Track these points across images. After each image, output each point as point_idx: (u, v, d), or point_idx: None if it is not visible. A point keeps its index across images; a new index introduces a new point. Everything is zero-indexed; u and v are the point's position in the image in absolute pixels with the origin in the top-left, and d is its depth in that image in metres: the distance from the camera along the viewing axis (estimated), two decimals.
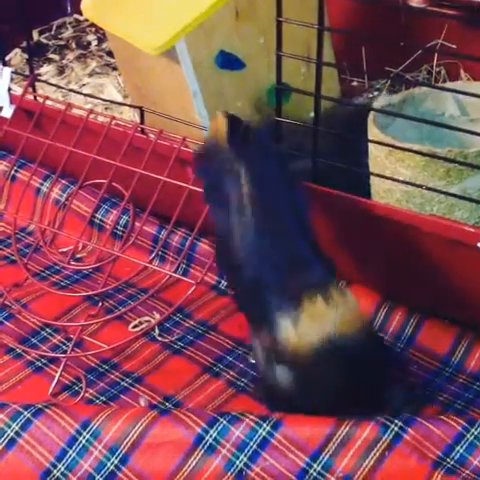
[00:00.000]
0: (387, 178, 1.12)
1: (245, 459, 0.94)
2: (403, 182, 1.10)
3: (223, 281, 1.31)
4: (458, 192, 1.07)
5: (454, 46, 1.46)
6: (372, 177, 1.17)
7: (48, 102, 1.38)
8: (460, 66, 1.48)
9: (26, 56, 1.69)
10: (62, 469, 0.96)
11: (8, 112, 1.42)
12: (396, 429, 0.95)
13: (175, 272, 1.20)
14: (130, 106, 1.45)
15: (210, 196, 1.05)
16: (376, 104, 1.23)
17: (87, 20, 1.76)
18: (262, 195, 1.00)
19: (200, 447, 0.95)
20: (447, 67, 1.50)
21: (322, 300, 0.93)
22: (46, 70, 1.68)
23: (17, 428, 0.98)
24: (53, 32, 1.83)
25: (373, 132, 1.14)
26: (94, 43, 1.78)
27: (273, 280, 0.97)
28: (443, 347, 1.16)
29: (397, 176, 1.10)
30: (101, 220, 1.40)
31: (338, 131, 1.21)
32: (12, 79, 1.45)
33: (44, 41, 1.79)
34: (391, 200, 1.13)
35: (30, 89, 1.43)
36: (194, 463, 0.95)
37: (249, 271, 0.99)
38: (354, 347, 0.93)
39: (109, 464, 0.96)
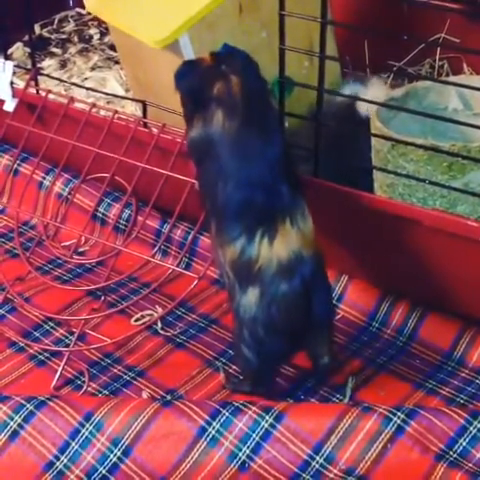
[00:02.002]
0: (389, 172, 1.12)
1: (248, 451, 0.95)
2: (405, 176, 1.09)
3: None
4: (461, 186, 1.07)
5: (457, 40, 1.45)
6: (375, 171, 1.17)
7: (50, 96, 1.38)
8: (463, 60, 1.48)
9: (28, 50, 1.69)
10: (65, 461, 0.96)
11: (10, 106, 1.42)
12: (398, 422, 0.95)
13: (177, 266, 1.20)
14: (132, 100, 1.44)
15: (192, 105, 1.04)
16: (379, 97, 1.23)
17: (89, 14, 1.76)
18: (252, 103, 1.01)
19: (203, 439, 0.95)
20: (450, 61, 1.50)
21: (290, 223, 1.00)
22: (48, 64, 1.68)
23: (20, 420, 0.98)
24: (55, 26, 1.83)
25: (376, 125, 1.14)
26: (96, 37, 1.77)
27: (251, 198, 1.00)
28: (445, 341, 1.16)
29: (400, 170, 1.10)
30: (104, 214, 1.40)
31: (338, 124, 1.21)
32: (14, 73, 1.45)
33: (46, 35, 1.79)
34: (394, 194, 1.13)
35: (32, 83, 1.43)
36: (197, 455, 0.95)
37: (230, 183, 1.00)
38: (311, 262, 1.02)
39: (112, 456, 0.96)
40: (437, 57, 1.50)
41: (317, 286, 1.03)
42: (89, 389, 1.12)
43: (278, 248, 1.00)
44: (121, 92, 1.56)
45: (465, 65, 1.49)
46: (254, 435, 0.95)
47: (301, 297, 1.01)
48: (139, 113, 1.39)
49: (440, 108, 1.23)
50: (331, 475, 0.94)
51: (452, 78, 1.35)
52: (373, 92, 1.23)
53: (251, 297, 1.01)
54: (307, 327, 1.03)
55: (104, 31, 1.77)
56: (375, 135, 1.14)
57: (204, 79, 1.03)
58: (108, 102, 1.52)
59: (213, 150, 1.01)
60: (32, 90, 1.43)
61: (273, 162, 1.01)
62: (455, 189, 1.07)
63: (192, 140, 1.04)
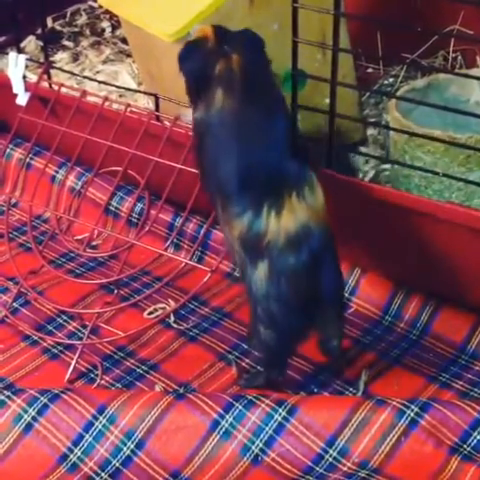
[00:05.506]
0: (404, 165, 1.10)
1: (261, 444, 0.95)
2: (420, 169, 1.08)
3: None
4: (477, 179, 1.05)
5: (471, 32, 1.44)
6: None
7: (63, 89, 1.38)
8: (476, 52, 1.47)
9: (41, 43, 1.69)
10: (78, 454, 0.97)
11: (23, 99, 1.42)
12: (412, 415, 0.95)
13: (190, 260, 1.20)
14: (145, 93, 1.44)
15: (196, 88, 1.04)
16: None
17: (101, 7, 1.75)
18: (252, 80, 1.01)
19: (216, 432, 0.95)
20: (463, 53, 1.49)
21: (296, 197, 1.00)
22: (60, 57, 1.68)
23: (34, 413, 0.99)
24: (67, 19, 1.83)
25: (394, 116, 1.12)
26: (108, 30, 1.77)
27: (253, 173, 1.00)
28: (459, 335, 1.16)
29: (417, 161, 1.09)
30: (116, 208, 1.40)
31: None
32: (27, 66, 1.45)
33: (58, 28, 1.79)
34: (410, 186, 1.12)
35: (45, 76, 1.43)
36: (210, 448, 0.95)
37: (232, 160, 1.00)
38: (319, 236, 1.01)
39: (125, 449, 0.96)
40: (451, 49, 1.49)
41: (326, 260, 1.02)
42: (102, 382, 1.12)
43: (286, 221, 1.00)
44: (133, 85, 1.56)
45: (478, 57, 1.48)
46: (267, 428, 0.95)
47: (309, 270, 1.01)
48: (151, 106, 1.39)
49: (462, 100, 1.21)
50: (344, 468, 0.94)
51: (474, 71, 1.33)
52: None
53: (261, 272, 1.01)
54: (317, 301, 1.03)
55: (116, 24, 1.77)
56: (392, 129, 1.12)
57: (207, 61, 1.03)
58: (120, 95, 1.52)
59: (214, 128, 1.01)
60: (45, 84, 1.43)
61: (276, 137, 1.01)
62: (471, 182, 1.05)
63: (196, 121, 1.05)
